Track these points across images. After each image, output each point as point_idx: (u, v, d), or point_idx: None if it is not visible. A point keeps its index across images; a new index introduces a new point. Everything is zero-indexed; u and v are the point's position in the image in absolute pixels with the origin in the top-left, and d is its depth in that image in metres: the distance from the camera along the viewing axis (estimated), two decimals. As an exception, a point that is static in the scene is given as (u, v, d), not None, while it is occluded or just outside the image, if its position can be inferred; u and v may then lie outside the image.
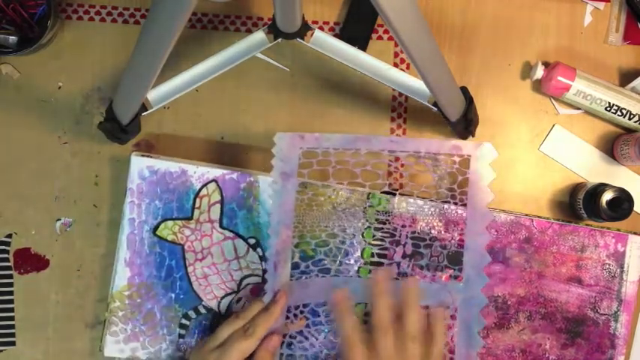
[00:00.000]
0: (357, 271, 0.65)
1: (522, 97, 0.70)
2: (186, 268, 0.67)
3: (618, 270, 0.66)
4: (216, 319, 0.67)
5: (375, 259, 0.66)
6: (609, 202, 0.64)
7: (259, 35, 0.64)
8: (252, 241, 0.67)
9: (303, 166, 0.62)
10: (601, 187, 0.64)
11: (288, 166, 0.62)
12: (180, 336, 0.67)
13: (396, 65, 0.69)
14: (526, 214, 0.68)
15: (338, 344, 0.64)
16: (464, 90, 0.62)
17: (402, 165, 0.69)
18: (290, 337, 0.63)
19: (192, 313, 0.67)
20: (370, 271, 0.65)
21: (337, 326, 0.59)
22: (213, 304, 0.67)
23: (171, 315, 0.67)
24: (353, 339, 0.57)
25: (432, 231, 0.66)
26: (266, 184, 0.67)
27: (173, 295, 0.67)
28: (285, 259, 0.63)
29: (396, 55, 0.70)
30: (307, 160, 0.63)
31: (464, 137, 0.69)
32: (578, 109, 0.69)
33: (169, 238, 0.67)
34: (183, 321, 0.67)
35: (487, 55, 0.70)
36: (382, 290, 0.58)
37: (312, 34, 0.64)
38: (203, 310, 0.67)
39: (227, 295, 0.67)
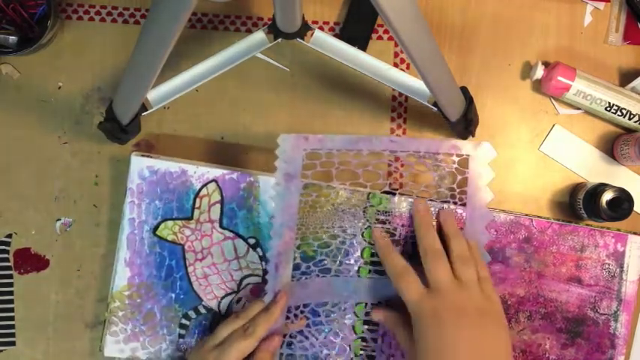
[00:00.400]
0: (357, 271, 0.65)
1: (522, 97, 0.70)
2: (186, 268, 0.67)
3: (618, 270, 0.66)
4: (216, 319, 0.67)
5: (375, 258, 0.66)
6: (609, 202, 0.64)
7: (259, 35, 0.64)
8: (252, 241, 0.67)
9: (306, 168, 0.62)
10: (601, 187, 0.64)
11: (291, 168, 0.62)
12: (180, 336, 0.67)
13: (396, 65, 0.69)
14: (526, 214, 0.68)
15: (338, 344, 0.64)
16: (464, 90, 0.62)
17: (402, 165, 0.69)
18: (290, 336, 0.63)
19: (192, 313, 0.67)
20: (370, 271, 0.65)
21: (419, 236, 0.60)
22: (213, 304, 0.67)
23: (171, 315, 0.67)
24: (437, 248, 0.59)
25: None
26: (266, 184, 0.67)
27: (173, 295, 0.67)
28: (286, 260, 0.63)
29: (396, 55, 0.70)
30: (310, 162, 0.63)
31: (464, 137, 0.69)
32: (578, 109, 0.69)
33: (169, 238, 0.67)
34: (184, 321, 0.67)
35: (487, 55, 0.70)
36: (426, 222, 0.61)
37: (312, 34, 0.64)
38: (203, 310, 0.67)
39: (227, 295, 0.67)
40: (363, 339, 0.65)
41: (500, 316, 0.57)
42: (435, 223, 0.63)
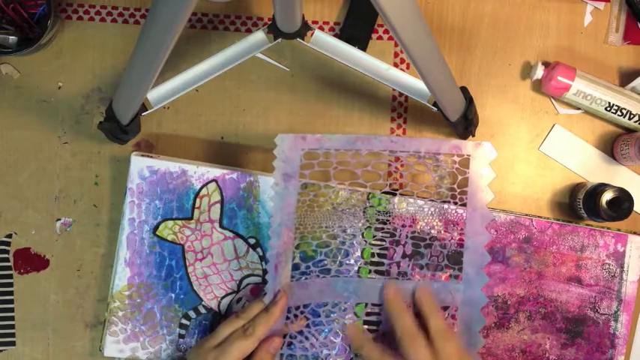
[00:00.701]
0: (358, 271, 0.65)
1: (522, 97, 0.70)
2: (186, 268, 0.67)
3: (618, 270, 0.66)
4: (216, 319, 0.67)
5: (376, 259, 0.66)
6: (609, 202, 0.64)
7: (259, 35, 0.64)
8: (252, 240, 0.67)
9: (304, 167, 0.62)
10: (601, 187, 0.64)
11: (289, 168, 0.62)
12: (180, 336, 0.67)
13: (396, 65, 0.69)
14: (526, 214, 0.68)
15: (338, 344, 0.64)
16: (464, 90, 0.62)
17: (402, 165, 0.69)
18: (290, 337, 0.63)
19: (192, 313, 0.67)
20: (370, 271, 0.65)
21: (393, 322, 0.59)
22: (213, 304, 0.67)
23: (171, 315, 0.67)
24: (413, 330, 0.58)
25: (432, 231, 0.66)
26: (266, 184, 0.67)
27: (173, 295, 0.67)
28: (285, 260, 0.63)
29: (396, 55, 0.70)
30: (309, 162, 0.63)
31: (464, 137, 0.69)
32: (578, 109, 0.69)
33: (169, 238, 0.67)
34: (183, 321, 0.67)
35: (487, 55, 0.70)
36: (399, 306, 0.60)
37: (312, 34, 0.63)
38: (203, 310, 0.67)
39: (227, 295, 0.67)
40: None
41: None
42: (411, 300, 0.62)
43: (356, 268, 0.65)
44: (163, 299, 0.67)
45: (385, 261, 0.66)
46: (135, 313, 0.66)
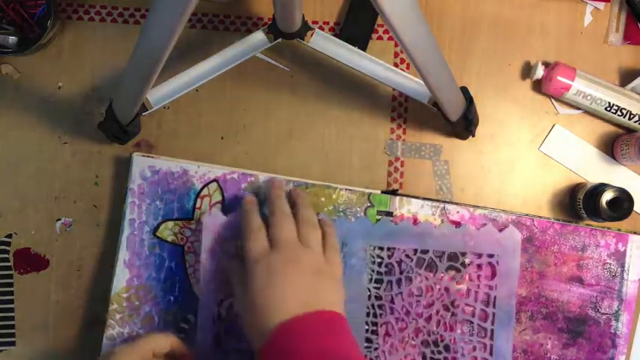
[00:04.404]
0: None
1: (522, 97, 0.70)
2: (185, 269, 0.67)
3: (619, 269, 0.66)
4: (216, 322, 0.66)
5: (376, 259, 0.66)
6: (609, 202, 0.64)
7: (259, 35, 0.64)
8: (252, 241, 0.67)
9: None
10: (601, 187, 0.64)
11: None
12: (180, 338, 0.66)
13: (396, 65, 0.69)
14: (526, 214, 0.68)
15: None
16: (464, 90, 0.62)
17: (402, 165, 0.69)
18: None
19: (191, 317, 0.66)
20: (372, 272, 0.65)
21: (271, 202, 0.61)
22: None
23: (169, 318, 0.66)
24: (253, 223, 0.59)
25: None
26: (267, 184, 0.67)
27: (172, 298, 0.66)
28: None
29: (396, 55, 0.70)
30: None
31: (464, 137, 0.69)
32: (578, 109, 0.69)
33: (170, 239, 0.67)
34: (182, 325, 0.66)
35: (487, 55, 0.70)
36: (279, 192, 0.62)
37: (312, 34, 0.64)
38: (203, 312, 0.66)
39: (227, 297, 0.66)
40: (367, 339, 0.65)
41: (336, 277, 0.58)
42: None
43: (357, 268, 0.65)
44: (162, 302, 0.66)
45: (386, 261, 0.66)
46: (132, 316, 0.66)
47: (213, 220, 0.64)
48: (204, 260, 0.64)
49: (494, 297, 0.64)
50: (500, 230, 0.65)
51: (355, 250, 0.65)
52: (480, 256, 0.65)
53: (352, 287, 0.65)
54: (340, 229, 0.65)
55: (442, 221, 0.66)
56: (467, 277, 0.65)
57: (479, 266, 0.65)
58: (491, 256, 0.65)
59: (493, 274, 0.65)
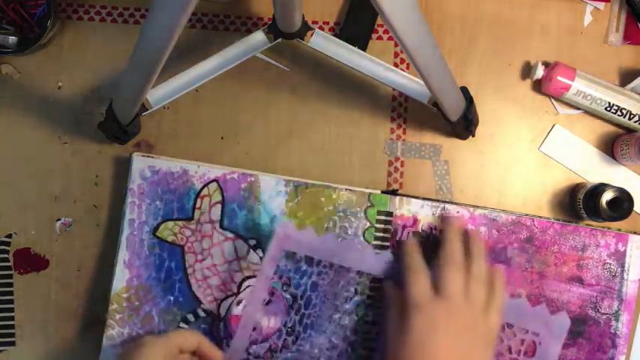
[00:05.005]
0: (357, 272, 0.65)
1: (522, 97, 0.70)
2: (185, 269, 0.67)
3: (619, 269, 0.66)
4: (216, 323, 0.66)
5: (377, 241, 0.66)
6: (609, 202, 0.64)
7: (259, 35, 0.64)
8: (252, 241, 0.67)
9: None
10: (601, 187, 0.64)
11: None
12: (180, 338, 0.66)
13: (396, 65, 0.69)
14: (526, 214, 0.68)
15: (342, 338, 0.64)
16: (464, 90, 0.62)
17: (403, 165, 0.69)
18: (290, 337, 0.63)
19: (190, 317, 0.66)
20: (381, 281, 0.65)
21: (402, 257, 0.61)
22: (212, 306, 0.66)
23: (169, 318, 0.66)
24: (418, 265, 0.59)
25: (434, 231, 0.66)
26: (267, 184, 0.67)
27: (172, 298, 0.66)
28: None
29: (396, 55, 0.70)
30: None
31: (464, 137, 0.69)
32: (578, 109, 0.69)
33: (169, 239, 0.67)
34: (182, 325, 0.66)
35: (487, 55, 0.70)
36: (456, 233, 0.61)
37: (312, 34, 0.64)
38: (202, 314, 0.66)
39: (227, 297, 0.67)
40: (364, 339, 0.65)
41: (491, 340, 0.58)
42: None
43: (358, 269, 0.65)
44: (162, 302, 0.66)
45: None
46: (132, 316, 0.66)
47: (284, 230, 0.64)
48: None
49: None
50: (553, 313, 0.64)
51: None
52: (526, 331, 0.64)
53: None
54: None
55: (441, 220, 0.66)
56: (506, 347, 0.64)
57: (522, 341, 0.64)
58: (536, 334, 0.64)
59: (533, 353, 0.64)
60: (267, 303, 0.65)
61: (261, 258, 0.67)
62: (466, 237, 0.62)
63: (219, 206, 0.67)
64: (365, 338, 0.65)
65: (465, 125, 0.64)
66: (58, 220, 0.69)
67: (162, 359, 0.56)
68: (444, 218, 0.65)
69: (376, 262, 0.64)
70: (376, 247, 0.66)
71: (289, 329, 0.65)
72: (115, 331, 0.66)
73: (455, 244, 0.60)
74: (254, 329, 0.65)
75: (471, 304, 0.57)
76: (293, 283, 0.65)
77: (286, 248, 0.64)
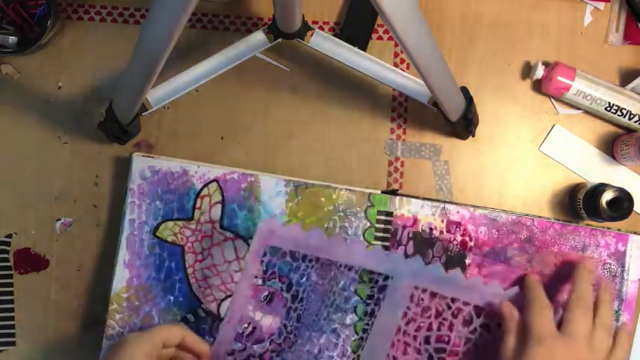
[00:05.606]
0: (357, 273, 0.65)
1: (522, 97, 0.70)
2: (185, 269, 0.67)
3: (619, 269, 0.66)
4: (215, 323, 0.66)
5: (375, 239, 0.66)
6: (609, 202, 0.64)
7: (259, 35, 0.64)
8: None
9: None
10: (601, 187, 0.64)
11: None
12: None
13: (396, 65, 0.69)
14: (526, 214, 0.68)
15: (342, 339, 0.64)
16: (464, 90, 0.62)
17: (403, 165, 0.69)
18: (290, 337, 0.63)
19: (190, 317, 0.66)
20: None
21: (525, 291, 0.61)
22: (212, 306, 0.66)
23: (169, 318, 0.66)
24: (543, 299, 0.60)
25: (434, 231, 0.66)
26: (267, 184, 0.67)
27: (172, 298, 0.66)
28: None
29: (396, 55, 0.70)
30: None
31: (464, 137, 0.69)
32: (578, 109, 0.69)
33: (169, 239, 0.67)
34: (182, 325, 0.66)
35: (487, 55, 0.70)
36: (589, 276, 0.61)
37: (312, 34, 0.64)
38: (202, 314, 0.66)
39: (226, 297, 0.66)
40: (363, 339, 0.65)
41: None
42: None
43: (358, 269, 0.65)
44: (162, 302, 0.66)
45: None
46: (132, 316, 0.66)
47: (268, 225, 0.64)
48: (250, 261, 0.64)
49: None
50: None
51: (400, 286, 0.64)
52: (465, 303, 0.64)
53: (384, 319, 0.64)
54: (392, 263, 0.63)
55: (441, 220, 0.66)
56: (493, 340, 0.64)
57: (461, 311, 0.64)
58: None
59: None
60: (267, 302, 0.65)
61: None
62: (598, 283, 0.63)
63: (219, 206, 0.67)
64: (365, 338, 0.65)
65: (465, 125, 0.64)
66: (58, 220, 0.69)
67: (144, 355, 0.56)
68: (579, 260, 0.65)
69: (367, 256, 0.63)
70: (375, 247, 0.66)
71: (286, 327, 0.65)
72: (115, 331, 0.66)
73: (587, 287, 0.61)
74: (254, 329, 0.65)
75: (593, 351, 0.57)
76: (284, 278, 0.65)
77: (270, 244, 0.64)
